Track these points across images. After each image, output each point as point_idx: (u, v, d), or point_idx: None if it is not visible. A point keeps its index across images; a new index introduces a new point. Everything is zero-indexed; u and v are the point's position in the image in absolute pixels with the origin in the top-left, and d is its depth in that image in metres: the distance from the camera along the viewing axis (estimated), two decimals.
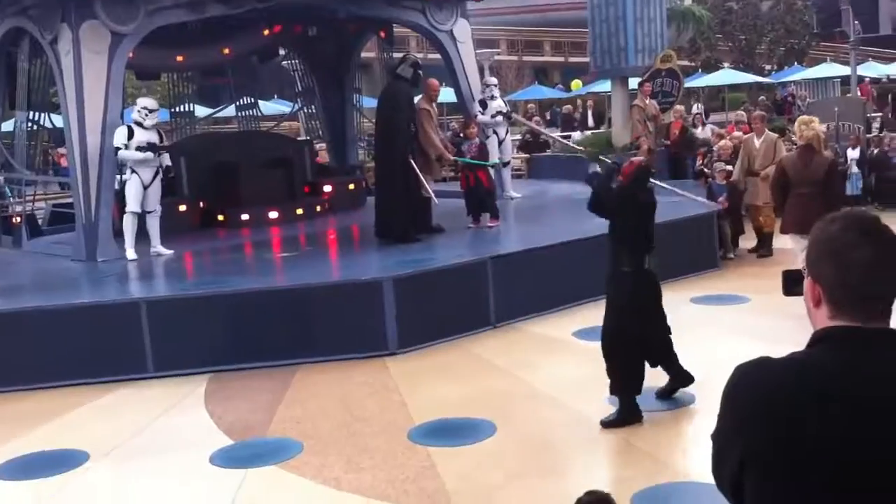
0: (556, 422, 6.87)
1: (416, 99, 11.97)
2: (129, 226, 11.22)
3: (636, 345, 6.71)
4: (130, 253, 11.12)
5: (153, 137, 11.32)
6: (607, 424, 6.61)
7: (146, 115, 11.27)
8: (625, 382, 6.69)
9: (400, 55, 12.72)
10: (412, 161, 11.05)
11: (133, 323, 8.59)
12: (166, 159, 11.49)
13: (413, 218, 11.20)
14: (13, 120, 14.23)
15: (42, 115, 13.57)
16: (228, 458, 6.48)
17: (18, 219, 13.28)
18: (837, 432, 1.74)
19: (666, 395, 7.07)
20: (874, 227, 1.87)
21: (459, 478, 5.90)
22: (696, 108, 23.93)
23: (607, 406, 6.97)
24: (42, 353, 8.49)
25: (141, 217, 11.33)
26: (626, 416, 6.62)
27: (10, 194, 14.03)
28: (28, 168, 13.38)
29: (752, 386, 1.85)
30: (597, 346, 8.50)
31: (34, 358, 8.48)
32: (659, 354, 6.99)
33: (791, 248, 9.61)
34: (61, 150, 19.67)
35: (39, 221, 14.23)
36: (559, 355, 8.54)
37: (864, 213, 1.96)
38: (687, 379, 7.03)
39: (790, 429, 1.76)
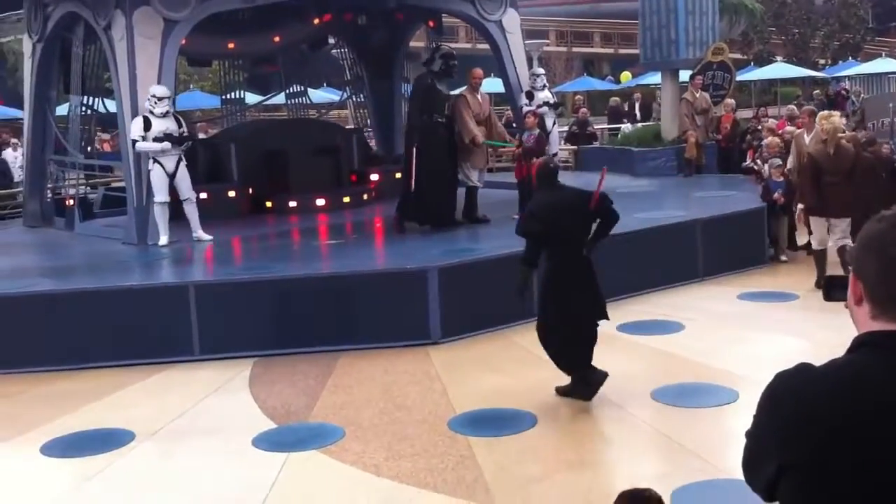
0: (597, 415, 6.86)
1: (461, 89, 12.04)
2: (159, 215, 11.28)
3: (564, 327, 7.09)
4: (163, 240, 11.20)
5: (171, 125, 11.28)
6: (560, 391, 7.13)
7: (155, 102, 11.20)
8: (566, 361, 7.07)
9: (433, 46, 12.69)
10: (414, 152, 11.22)
11: (181, 306, 8.71)
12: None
13: (430, 206, 11.33)
14: (67, 104, 14.48)
15: (96, 99, 13.79)
16: (271, 442, 6.56)
17: (71, 201, 13.50)
18: (879, 439, 1.72)
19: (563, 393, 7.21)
20: None
21: (498, 468, 5.91)
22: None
23: (650, 401, 6.96)
24: (92, 333, 8.65)
25: (178, 205, 11.42)
26: (578, 386, 7.05)
27: (63, 177, 14.27)
28: (81, 152, 13.60)
29: (793, 393, 1.83)
30: (643, 339, 8.56)
31: (84, 338, 8.63)
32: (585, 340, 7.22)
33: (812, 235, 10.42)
34: (104, 136, 19.97)
35: (92, 205, 14.43)
36: (603, 348, 8.44)
37: None
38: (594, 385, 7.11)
39: (833, 439, 1.74)
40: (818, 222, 10.17)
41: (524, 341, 8.75)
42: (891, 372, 1.77)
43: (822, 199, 9.95)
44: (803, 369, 1.86)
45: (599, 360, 8.10)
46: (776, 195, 11.30)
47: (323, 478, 6.00)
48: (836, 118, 10.47)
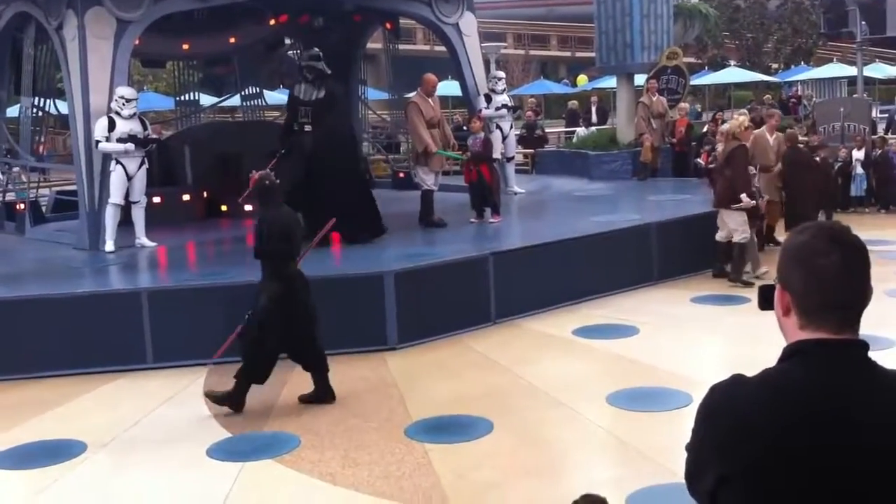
0: (553, 420, 6.88)
1: (411, 94, 11.98)
2: (110, 217, 11.09)
3: (276, 344, 7.18)
4: (109, 245, 11.02)
5: (136, 126, 11.14)
6: (210, 396, 7.28)
7: (123, 104, 11.05)
8: (251, 372, 7.18)
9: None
10: (274, 159, 10.73)
11: (134, 313, 8.60)
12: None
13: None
14: (18, 106, 14.25)
15: (47, 101, 13.58)
16: (225, 452, 6.49)
17: (22, 205, 13.28)
18: (814, 451, 1.75)
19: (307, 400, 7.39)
20: (843, 235, 1.89)
21: (455, 475, 5.91)
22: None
23: (605, 405, 7.00)
24: (42, 341, 8.50)
25: (125, 209, 11.24)
26: (233, 397, 7.18)
27: (12, 180, 14.04)
28: (32, 154, 13.38)
29: (728, 405, 1.87)
30: (598, 343, 8.61)
31: (34, 347, 8.48)
32: (306, 356, 7.39)
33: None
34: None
35: (43, 209, 14.21)
36: (558, 353, 8.55)
37: (834, 223, 1.98)
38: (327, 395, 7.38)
39: (767, 450, 1.77)
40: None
41: (480, 346, 8.78)
42: (819, 382, 1.81)
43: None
44: (737, 381, 1.90)
45: (556, 364, 8.16)
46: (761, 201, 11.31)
47: (279, 487, 5.95)
48: (740, 118, 11.32)
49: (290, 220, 7.44)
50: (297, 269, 7.37)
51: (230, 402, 7.20)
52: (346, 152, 11.16)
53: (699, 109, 25.70)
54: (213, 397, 7.28)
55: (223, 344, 7.68)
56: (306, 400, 7.36)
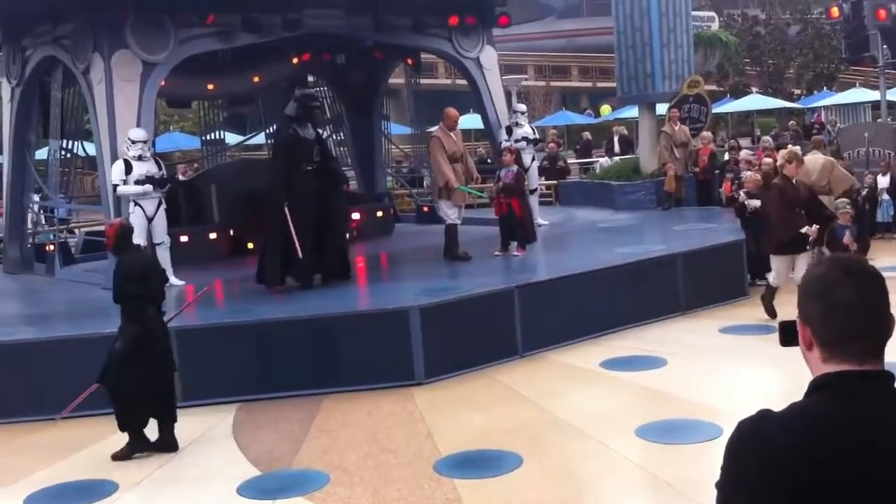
0: (582, 454, 6.85)
1: (434, 129, 12.01)
2: None
3: (138, 388, 7.25)
4: None
5: (151, 167, 11.24)
6: (117, 457, 7.24)
7: (129, 145, 11.14)
8: (128, 420, 7.29)
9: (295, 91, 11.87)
10: (286, 210, 10.37)
11: None
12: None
13: (288, 264, 10.55)
14: (47, 148, 14.46)
15: (75, 143, 13.78)
16: (256, 490, 6.51)
17: (52, 247, 13.43)
18: (845, 485, 1.75)
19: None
20: (858, 267, 1.91)
21: None
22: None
23: (634, 438, 6.96)
24: (72, 381, 8.54)
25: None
26: (135, 447, 7.28)
27: (43, 222, 14.21)
28: (61, 196, 13.56)
29: (756, 442, 1.86)
30: (625, 375, 8.57)
31: (65, 387, 8.54)
32: (162, 403, 7.45)
33: None
34: None
35: (72, 249, 14.37)
36: (586, 385, 8.52)
37: (849, 256, 2.02)
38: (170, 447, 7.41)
39: (798, 484, 1.78)
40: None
41: (507, 379, 8.77)
42: (848, 417, 1.82)
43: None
44: (764, 416, 1.90)
45: (584, 396, 8.13)
46: (846, 239, 11.05)
47: None
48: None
49: (147, 263, 7.74)
50: (155, 312, 7.47)
51: (132, 450, 7.28)
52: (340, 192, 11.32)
53: (725, 138, 25.59)
54: (120, 457, 7.28)
55: (77, 398, 7.80)
56: (119, 456, 7.27)
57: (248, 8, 12.06)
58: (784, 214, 9.94)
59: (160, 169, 11.45)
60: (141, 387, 7.25)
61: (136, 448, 7.32)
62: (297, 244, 10.34)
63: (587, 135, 30.51)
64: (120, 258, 7.60)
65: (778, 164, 10.53)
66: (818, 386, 1.89)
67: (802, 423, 1.84)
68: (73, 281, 12.45)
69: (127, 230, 7.75)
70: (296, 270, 10.58)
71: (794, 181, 10.03)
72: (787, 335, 2.03)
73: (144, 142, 11.28)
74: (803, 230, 9.85)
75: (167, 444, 7.42)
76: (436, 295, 9.45)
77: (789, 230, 9.91)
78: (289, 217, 10.35)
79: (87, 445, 7.71)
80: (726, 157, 17.75)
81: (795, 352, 2.17)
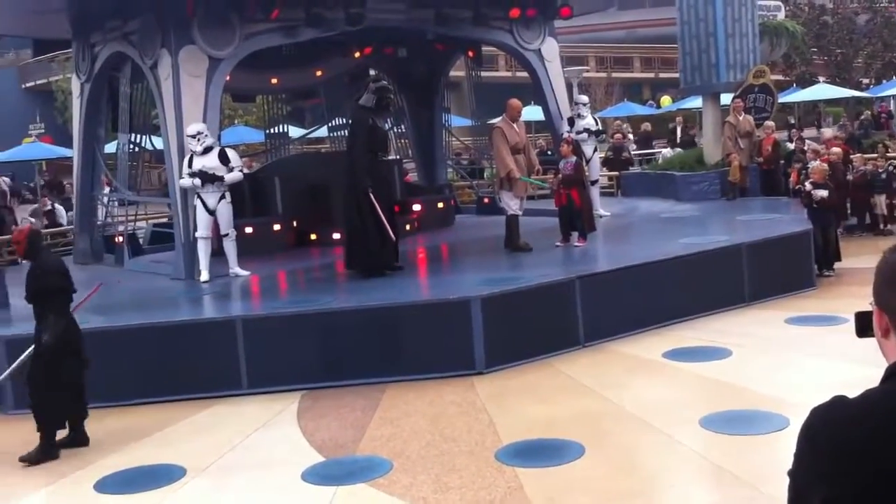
0: (645, 444, 6.81)
1: (496, 120, 12.01)
2: (202, 249, 11.41)
3: (66, 381, 7.35)
4: (204, 275, 11.31)
5: (209, 162, 11.32)
6: (27, 461, 7.19)
7: (187, 141, 11.37)
8: (51, 415, 7.35)
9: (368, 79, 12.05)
10: (371, 195, 10.56)
11: (229, 340, 8.81)
12: (236, 175, 11.60)
13: (379, 251, 10.73)
14: (115, 142, 14.77)
15: (143, 137, 14.05)
16: (320, 476, 6.59)
17: (120, 238, 13.72)
18: None
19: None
20: None
21: (547, 500, 5.88)
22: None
23: (699, 429, 6.90)
24: (141, 369, 8.77)
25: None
26: (47, 452, 7.28)
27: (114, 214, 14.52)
28: (130, 189, 13.85)
29: (830, 428, 1.83)
30: (690, 366, 8.49)
31: (134, 374, 8.76)
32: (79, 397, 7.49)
33: None
34: None
35: (140, 241, 14.66)
36: (649, 376, 8.46)
37: None
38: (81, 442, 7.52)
39: (872, 471, 1.74)
40: None
41: (569, 370, 8.74)
42: None
43: None
44: (838, 403, 1.86)
45: (647, 387, 8.08)
46: None
47: None
48: None
49: (61, 261, 7.83)
50: (70, 312, 7.56)
51: (45, 456, 7.27)
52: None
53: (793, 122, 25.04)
54: (30, 461, 7.23)
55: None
56: (28, 459, 7.21)
57: (312, 3, 12.19)
58: None
59: (227, 162, 11.56)
60: (67, 380, 7.37)
61: (48, 452, 7.30)
62: (387, 228, 10.61)
63: (647, 125, 30.22)
64: (36, 261, 7.67)
65: None
66: (894, 372, 1.85)
67: (878, 410, 1.80)
68: (141, 271, 12.70)
69: (36, 234, 7.98)
70: (379, 257, 10.74)
71: None
72: (864, 325, 2.00)
73: (196, 135, 11.33)
74: None
75: (81, 439, 7.54)
76: (497, 285, 9.45)
77: None
78: (375, 202, 10.52)
79: (154, 432, 7.87)
80: (792, 146, 17.49)
81: (863, 344, 2.14)
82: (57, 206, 20.48)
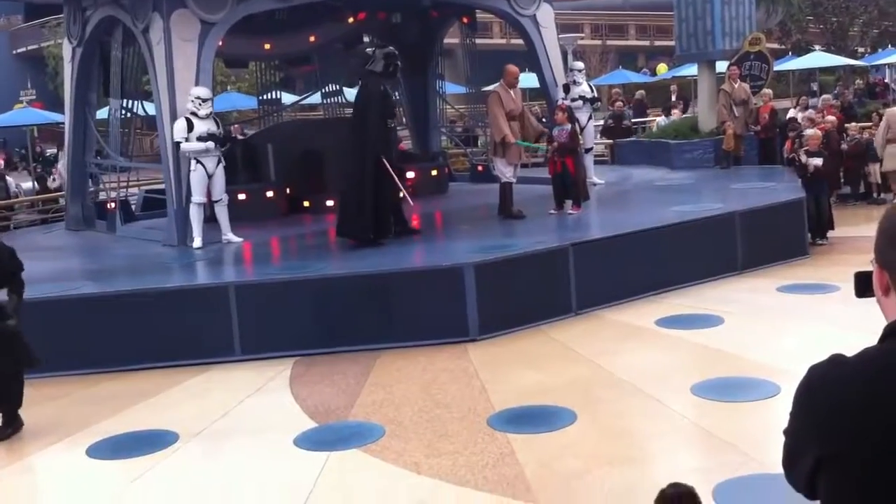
0: (637, 411, 6.83)
1: (494, 86, 11.89)
2: (195, 215, 11.39)
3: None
4: (196, 241, 11.30)
5: (212, 126, 11.37)
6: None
7: (199, 104, 11.29)
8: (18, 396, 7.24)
9: (375, 49, 11.47)
10: (384, 161, 10.43)
11: (222, 306, 8.80)
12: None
13: (379, 219, 10.57)
14: (107, 108, 14.66)
15: (135, 102, 13.95)
16: (312, 441, 6.61)
17: (113, 204, 13.67)
18: None
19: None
20: None
21: (539, 465, 5.92)
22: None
23: (690, 395, 6.93)
24: (133, 335, 8.76)
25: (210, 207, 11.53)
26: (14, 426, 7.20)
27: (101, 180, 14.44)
28: (122, 155, 13.77)
29: (827, 386, 1.82)
30: (682, 334, 8.52)
31: (126, 340, 8.74)
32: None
33: None
34: None
35: (133, 207, 14.61)
36: (641, 343, 8.49)
37: None
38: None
39: (866, 429, 1.73)
40: None
41: (562, 337, 8.77)
42: None
43: None
44: (836, 361, 1.85)
45: (639, 354, 8.10)
46: None
47: (364, 476, 6.04)
48: None
49: (4, 245, 7.55)
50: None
51: (10, 431, 7.18)
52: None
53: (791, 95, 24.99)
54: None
55: None
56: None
57: None
58: None
59: (218, 127, 11.59)
60: (25, 361, 7.30)
61: (10, 426, 7.20)
62: (403, 192, 10.70)
63: (641, 93, 30.08)
64: None
65: None
66: (893, 331, 1.84)
67: (876, 367, 1.79)
68: (133, 238, 12.66)
69: None
70: (378, 226, 10.61)
71: None
72: (863, 285, 1.99)
73: (207, 99, 11.38)
74: None
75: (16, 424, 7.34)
76: (490, 252, 9.45)
77: None
78: (389, 168, 10.43)
79: (147, 397, 7.87)
80: (788, 115, 17.44)
81: (855, 312, 2.13)
82: (8, 178, 19.74)
